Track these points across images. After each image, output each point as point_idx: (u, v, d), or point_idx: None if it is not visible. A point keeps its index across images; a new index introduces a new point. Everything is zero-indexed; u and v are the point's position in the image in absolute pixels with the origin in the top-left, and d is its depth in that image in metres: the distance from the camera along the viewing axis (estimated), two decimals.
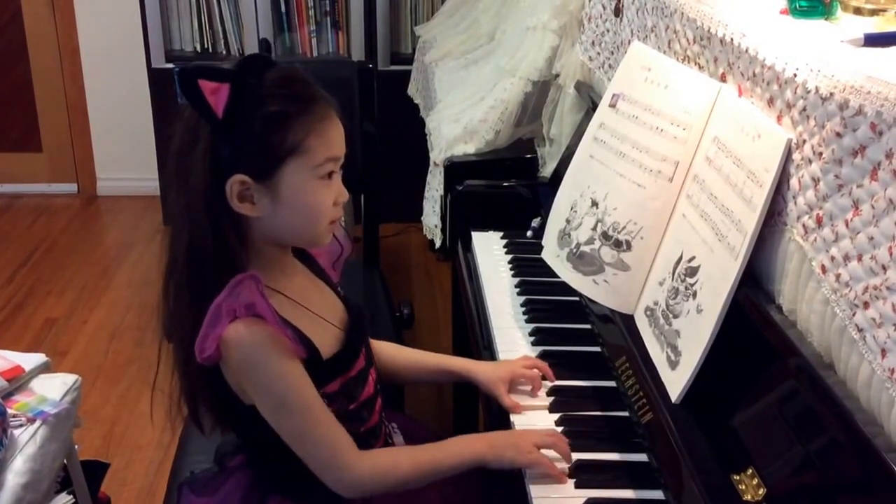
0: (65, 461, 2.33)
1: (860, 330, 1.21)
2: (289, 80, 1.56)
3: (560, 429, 1.72)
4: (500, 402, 1.81)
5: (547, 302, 2.15)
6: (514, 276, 2.29)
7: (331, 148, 1.56)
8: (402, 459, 1.65)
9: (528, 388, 1.84)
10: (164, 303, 1.66)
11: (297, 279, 1.70)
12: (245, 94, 1.49)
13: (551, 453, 1.64)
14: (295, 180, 1.53)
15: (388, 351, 1.87)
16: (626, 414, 1.74)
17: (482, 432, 1.71)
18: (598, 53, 2.42)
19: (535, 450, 1.62)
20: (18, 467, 2.06)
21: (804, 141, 1.37)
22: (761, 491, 1.31)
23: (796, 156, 1.40)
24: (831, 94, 1.28)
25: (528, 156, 2.79)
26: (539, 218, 2.42)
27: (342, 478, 1.59)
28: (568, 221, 1.98)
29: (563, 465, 1.62)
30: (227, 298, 1.50)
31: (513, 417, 1.78)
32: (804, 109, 1.36)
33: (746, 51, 1.55)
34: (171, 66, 4.20)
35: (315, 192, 1.56)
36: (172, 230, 1.60)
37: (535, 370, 1.85)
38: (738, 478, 1.36)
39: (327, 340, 1.64)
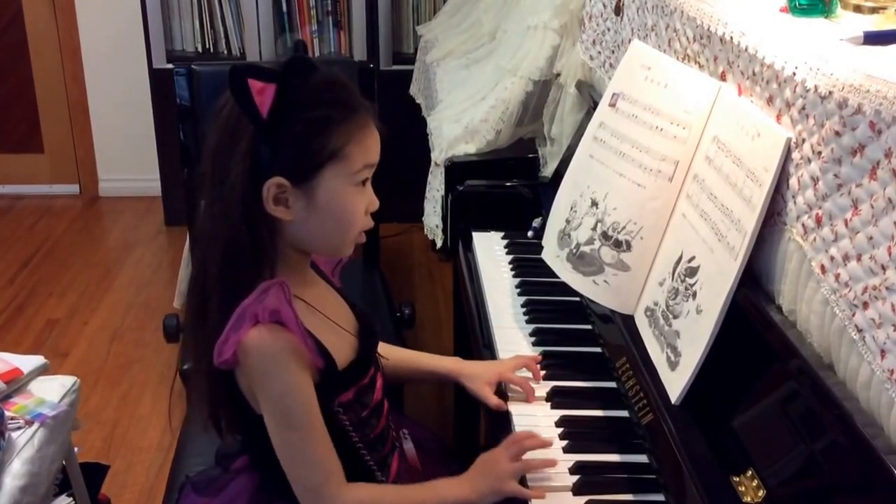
0: (64, 463, 2.32)
1: (860, 330, 1.20)
2: (333, 85, 1.56)
3: (560, 430, 1.71)
4: (486, 403, 1.81)
5: (547, 302, 2.15)
6: (514, 276, 2.29)
7: (368, 155, 1.57)
8: (386, 498, 1.64)
9: (522, 392, 1.83)
10: (190, 303, 1.64)
11: (316, 287, 1.70)
12: (290, 97, 1.48)
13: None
14: (331, 186, 1.53)
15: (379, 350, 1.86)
16: (626, 415, 1.73)
17: (463, 473, 1.68)
18: (599, 52, 2.41)
19: (514, 471, 1.60)
20: (16, 470, 2.05)
21: (803, 140, 1.36)
22: (761, 492, 1.31)
23: (795, 155, 1.39)
24: (830, 92, 1.27)
25: (530, 156, 2.79)
26: (540, 218, 2.41)
27: None
28: (568, 222, 1.98)
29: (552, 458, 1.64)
30: (253, 303, 1.50)
31: (512, 409, 1.79)
32: (803, 108, 1.36)
33: (746, 49, 1.55)
34: (171, 66, 4.19)
35: (350, 198, 1.56)
36: (202, 230, 1.59)
37: (525, 377, 1.85)
38: (737, 479, 1.35)
39: (344, 349, 1.64)
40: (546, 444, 1.65)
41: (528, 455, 1.63)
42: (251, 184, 1.50)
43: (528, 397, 1.81)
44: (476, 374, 1.86)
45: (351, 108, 1.55)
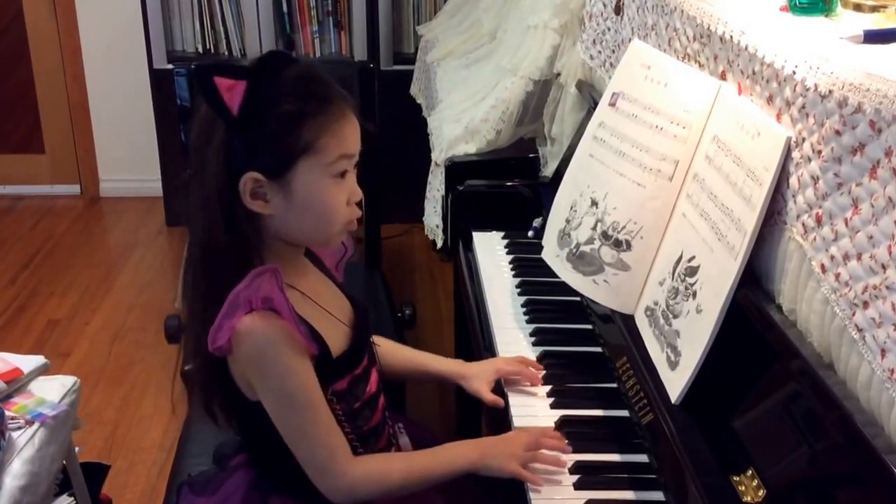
0: (64, 463, 2.32)
1: (860, 330, 1.20)
2: (305, 78, 1.55)
3: (560, 429, 1.71)
4: (482, 399, 1.83)
5: (548, 302, 2.15)
6: (515, 276, 2.29)
7: (344, 146, 1.56)
8: (394, 467, 1.66)
9: (527, 384, 1.84)
10: (184, 294, 1.65)
11: (309, 277, 1.70)
12: (261, 92, 1.49)
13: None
14: (307, 179, 1.53)
15: (384, 348, 1.87)
16: (626, 414, 1.73)
17: (478, 438, 1.71)
18: (600, 52, 2.41)
19: (523, 458, 1.61)
20: (16, 470, 2.05)
21: (803, 139, 1.36)
22: (761, 492, 1.31)
23: (796, 154, 1.39)
24: (830, 91, 1.27)
25: (530, 155, 2.79)
26: (540, 218, 2.41)
27: (335, 482, 1.60)
28: (568, 221, 1.97)
29: (562, 460, 1.64)
30: (245, 289, 1.51)
31: (513, 409, 1.79)
32: (803, 107, 1.35)
33: (746, 48, 1.55)
34: (172, 66, 4.20)
35: (327, 190, 1.56)
36: (190, 224, 1.61)
37: (521, 366, 1.87)
38: (737, 479, 1.35)
39: (338, 338, 1.65)
40: (561, 450, 1.65)
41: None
42: (227, 178, 1.51)
43: (532, 382, 1.83)
44: (474, 374, 1.87)
45: (324, 100, 1.54)
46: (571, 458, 1.63)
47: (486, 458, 1.64)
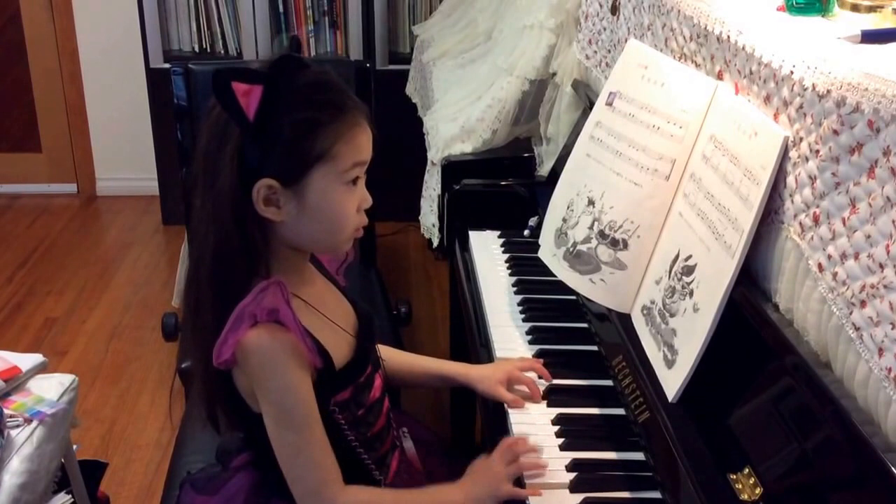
0: (62, 461, 2.32)
1: (857, 328, 1.20)
2: (321, 85, 1.54)
3: (556, 428, 1.71)
4: (502, 401, 1.81)
5: (544, 301, 2.15)
6: (511, 275, 2.29)
7: (358, 153, 1.55)
8: (385, 501, 1.65)
9: (527, 391, 1.83)
10: (186, 303, 1.63)
11: (315, 285, 1.69)
12: (277, 97, 1.47)
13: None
14: (321, 186, 1.52)
15: (383, 355, 1.86)
16: (622, 413, 1.73)
17: (458, 480, 1.69)
18: (595, 52, 2.41)
19: (509, 474, 1.60)
20: (15, 468, 2.06)
21: (801, 138, 1.36)
22: (758, 490, 1.31)
23: (793, 153, 1.39)
24: (828, 91, 1.27)
25: (526, 155, 2.79)
26: (536, 217, 2.41)
27: None
28: (564, 220, 1.98)
29: (542, 461, 1.63)
30: (251, 303, 1.49)
31: (510, 413, 1.78)
32: (801, 107, 1.36)
33: (743, 48, 1.55)
34: (168, 66, 4.20)
35: (340, 197, 1.55)
36: (196, 231, 1.57)
37: (531, 375, 1.85)
38: (734, 477, 1.35)
39: (342, 348, 1.64)
40: (534, 450, 1.65)
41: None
42: (241, 185, 1.49)
43: (533, 397, 1.81)
44: (486, 376, 1.85)
45: (339, 108, 1.53)
46: (568, 457, 1.63)
47: (471, 494, 1.61)
